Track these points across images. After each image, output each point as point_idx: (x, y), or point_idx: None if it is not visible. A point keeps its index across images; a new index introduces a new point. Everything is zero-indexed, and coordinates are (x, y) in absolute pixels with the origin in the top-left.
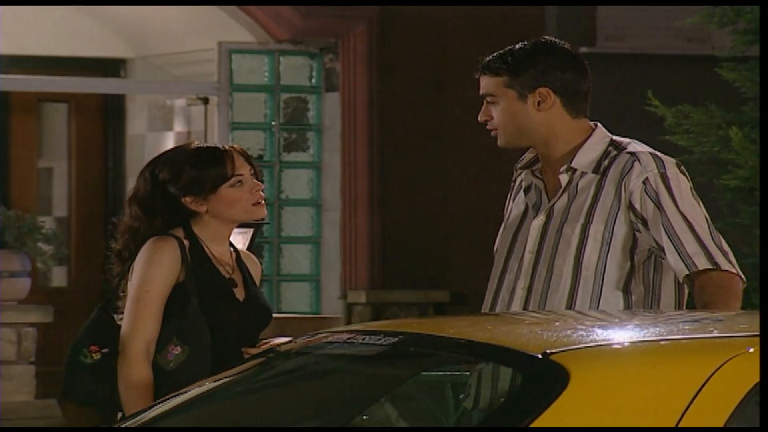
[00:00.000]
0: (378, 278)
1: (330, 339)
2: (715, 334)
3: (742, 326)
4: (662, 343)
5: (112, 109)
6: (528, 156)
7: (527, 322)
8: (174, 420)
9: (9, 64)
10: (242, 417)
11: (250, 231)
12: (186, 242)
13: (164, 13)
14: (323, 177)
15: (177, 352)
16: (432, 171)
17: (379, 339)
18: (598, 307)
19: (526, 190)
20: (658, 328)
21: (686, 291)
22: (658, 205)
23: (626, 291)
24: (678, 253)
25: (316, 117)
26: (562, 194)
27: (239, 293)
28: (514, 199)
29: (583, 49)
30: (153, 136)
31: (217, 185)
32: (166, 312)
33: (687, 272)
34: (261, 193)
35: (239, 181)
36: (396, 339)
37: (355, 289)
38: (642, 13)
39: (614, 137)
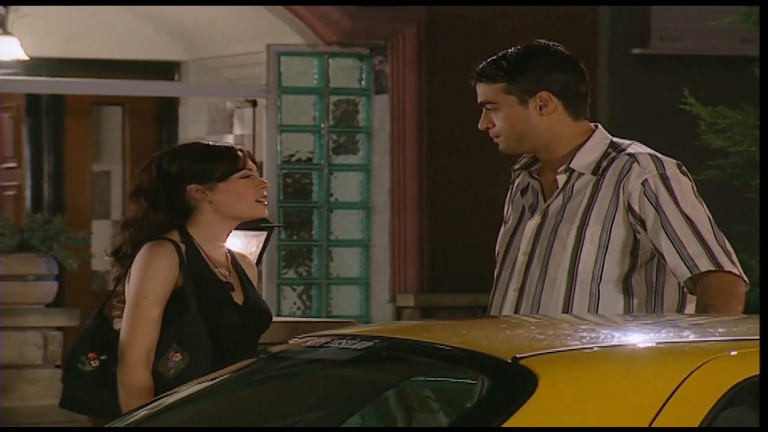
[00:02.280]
0: (427, 281)
1: (309, 343)
2: (690, 338)
3: (720, 331)
4: (635, 347)
5: (167, 112)
6: (525, 157)
7: (504, 326)
8: (150, 422)
9: (63, 67)
10: (209, 418)
11: (263, 234)
12: (182, 246)
13: (216, 15)
14: (372, 180)
15: (177, 359)
16: (481, 173)
17: (355, 343)
18: (597, 311)
19: (523, 192)
20: (632, 333)
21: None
22: (658, 207)
23: (627, 293)
24: (679, 256)
25: (365, 119)
26: (557, 195)
27: (237, 297)
28: (512, 201)
29: (636, 50)
30: (213, 140)
31: (229, 174)
32: (165, 318)
33: (689, 275)
34: (265, 191)
35: (249, 175)
36: (370, 343)
37: (404, 292)
38: (696, 13)
39: (614, 139)
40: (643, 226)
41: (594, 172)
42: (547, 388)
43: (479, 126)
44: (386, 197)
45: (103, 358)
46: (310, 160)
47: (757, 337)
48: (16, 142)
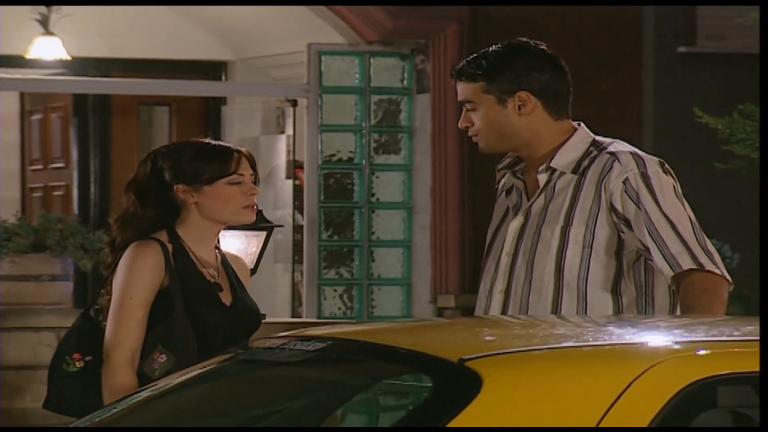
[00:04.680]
0: (468, 282)
1: (267, 344)
2: (643, 340)
3: (676, 332)
4: (585, 349)
5: (214, 112)
6: (509, 157)
7: (459, 327)
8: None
9: (109, 67)
10: (159, 417)
11: (263, 234)
12: (169, 246)
13: (260, 15)
14: (414, 179)
15: (162, 361)
16: None
17: (309, 345)
18: (586, 312)
19: (508, 192)
20: (586, 334)
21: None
22: (639, 206)
23: (615, 293)
24: (662, 254)
25: (407, 119)
26: (539, 195)
27: (225, 297)
28: (497, 200)
29: (682, 49)
30: (266, 139)
31: (216, 178)
32: (151, 318)
33: (672, 273)
34: (254, 198)
35: (238, 181)
36: (323, 345)
37: (445, 293)
38: (743, 11)
39: (596, 137)
40: (628, 225)
41: (575, 171)
42: (491, 389)
43: (459, 125)
44: (428, 197)
45: (88, 359)
46: (351, 160)
47: (714, 338)
48: (64, 143)
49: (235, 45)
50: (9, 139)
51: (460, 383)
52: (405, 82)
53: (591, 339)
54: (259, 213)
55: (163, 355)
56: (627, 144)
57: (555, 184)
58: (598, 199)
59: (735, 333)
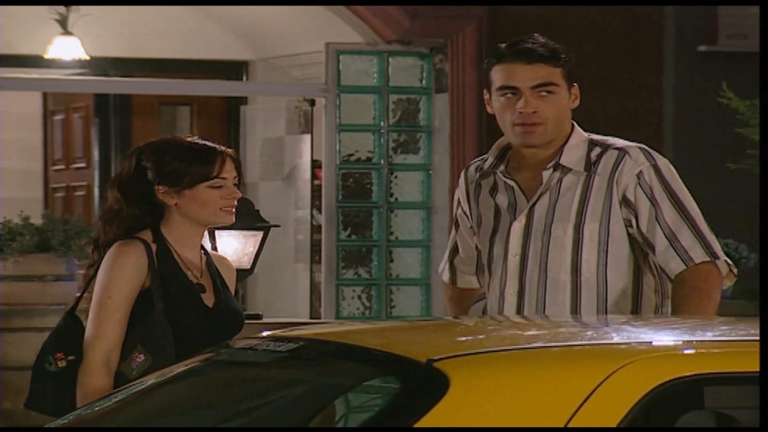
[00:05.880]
0: None
1: (242, 345)
2: (614, 340)
3: (648, 332)
4: (555, 349)
5: (235, 112)
6: (491, 157)
7: (432, 328)
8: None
9: (131, 67)
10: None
11: (260, 234)
12: (153, 246)
13: (280, 14)
14: (433, 179)
15: (140, 360)
16: None
17: (281, 345)
18: (606, 308)
19: (492, 191)
20: (558, 335)
21: None
22: (653, 200)
23: (635, 289)
24: (673, 249)
25: (426, 119)
26: (543, 193)
27: (208, 299)
28: (477, 202)
29: (703, 48)
30: (291, 139)
31: (197, 182)
32: (132, 318)
33: (684, 267)
34: (234, 201)
35: (220, 185)
36: (295, 345)
37: None
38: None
39: (592, 135)
40: (636, 219)
41: (587, 168)
42: (458, 389)
43: (524, 108)
44: (446, 197)
45: (71, 358)
46: (369, 159)
47: (687, 339)
48: (85, 143)
49: (256, 44)
50: (32, 139)
51: (427, 384)
52: (423, 82)
53: (562, 339)
54: (257, 212)
55: (142, 355)
56: (624, 140)
57: (560, 182)
58: (610, 195)
59: (708, 334)
